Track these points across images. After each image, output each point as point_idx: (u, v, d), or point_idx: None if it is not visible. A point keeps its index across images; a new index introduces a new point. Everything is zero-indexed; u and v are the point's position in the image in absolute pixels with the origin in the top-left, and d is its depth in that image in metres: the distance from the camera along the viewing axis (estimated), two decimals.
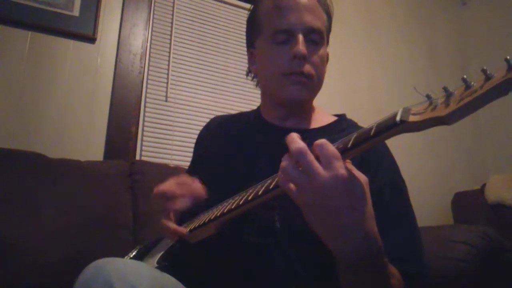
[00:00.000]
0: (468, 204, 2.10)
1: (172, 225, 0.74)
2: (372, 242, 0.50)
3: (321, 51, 0.82)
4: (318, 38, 0.81)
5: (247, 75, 0.95)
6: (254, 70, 0.91)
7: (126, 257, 0.87)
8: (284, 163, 0.49)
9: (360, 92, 2.31)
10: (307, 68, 0.79)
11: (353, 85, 2.31)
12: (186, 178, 0.80)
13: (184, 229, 0.73)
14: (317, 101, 0.91)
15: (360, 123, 0.87)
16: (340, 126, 0.85)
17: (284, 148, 0.50)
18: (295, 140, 0.49)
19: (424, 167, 2.33)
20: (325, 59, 0.85)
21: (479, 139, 2.59)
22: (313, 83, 0.81)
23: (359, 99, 2.28)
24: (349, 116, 0.91)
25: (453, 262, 1.09)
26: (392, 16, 2.56)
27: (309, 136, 0.50)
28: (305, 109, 0.88)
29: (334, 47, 2.25)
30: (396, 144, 0.83)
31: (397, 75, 2.44)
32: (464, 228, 1.25)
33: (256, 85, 0.94)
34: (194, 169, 1.02)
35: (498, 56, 0.37)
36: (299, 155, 0.48)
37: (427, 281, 0.70)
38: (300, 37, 0.78)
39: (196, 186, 0.78)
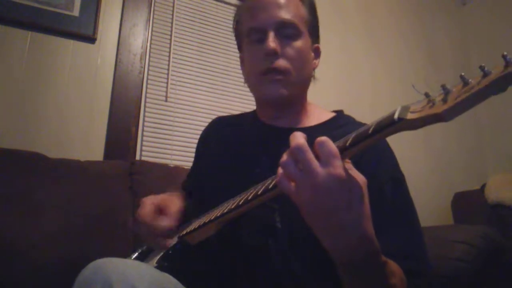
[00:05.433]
0: (468, 204, 2.10)
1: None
2: (368, 243, 0.50)
3: (298, 44, 0.82)
4: (292, 31, 0.81)
5: (245, 82, 0.95)
6: (244, 73, 0.93)
7: (128, 258, 0.87)
8: (284, 158, 0.49)
9: (360, 90, 2.31)
10: (281, 63, 0.79)
11: (353, 84, 2.31)
12: (163, 204, 0.83)
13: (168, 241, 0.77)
14: (317, 98, 0.90)
15: (361, 121, 0.87)
16: (338, 123, 0.84)
17: (281, 148, 0.50)
18: (296, 137, 0.49)
19: (424, 167, 2.33)
20: (305, 52, 0.83)
21: (479, 139, 2.59)
22: (291, 79, 0.80)
23: (360, 97, 2.28)
24: (349, 113, 0.90)
25: (453, 262, 1.08)
26: (392, 16, 2.56)
27: (307, 134, 0.50)
28: (296, 106, 0.87)
29: (335, 46, 2.27)
30: (396, 144, 0.83)
31: (397, 74, 2.44)
32: (464, 228, 1.24)
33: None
34: (196, 170, 1.02)
35: (498, 56, 0.37)
36: (298, 152, 0.48)
37: (430, 279, 0.69)
38: (271, 33, 0.79)
39: (170, 215, 0.81)
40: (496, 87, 0.36)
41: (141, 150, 1.69)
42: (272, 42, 0.78)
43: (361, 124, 0.80)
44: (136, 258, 0.87)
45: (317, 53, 0.90)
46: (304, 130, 0.83)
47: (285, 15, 0.81)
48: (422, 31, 2.64)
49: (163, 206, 0.83)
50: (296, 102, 0.86)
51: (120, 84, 1.68)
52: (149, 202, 0.82)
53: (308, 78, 0.86)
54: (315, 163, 0.47)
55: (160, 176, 1.45)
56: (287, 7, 0.82)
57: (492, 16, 2.64)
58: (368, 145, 0.48)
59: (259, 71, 0.81)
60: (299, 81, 0.83)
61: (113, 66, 1.69)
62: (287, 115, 0.86)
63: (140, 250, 0.89)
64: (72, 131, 1.56)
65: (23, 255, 1.11)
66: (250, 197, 0.60)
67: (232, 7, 2.05)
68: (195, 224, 0.74)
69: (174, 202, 0.86)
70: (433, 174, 2.36)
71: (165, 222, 0.79)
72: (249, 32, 0.83)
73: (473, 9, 2.78)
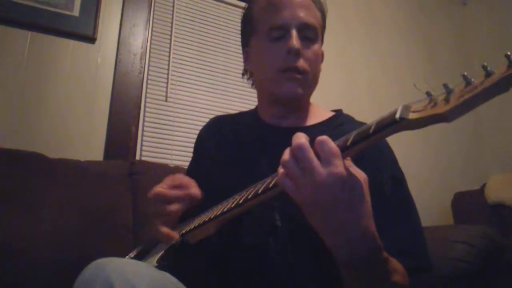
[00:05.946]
0: (468, 204, 2.10)
1: (165, 229, 0.74)
2: (369, 241, 0.50)
3: (316, 48, 0.83)
4: (312, 34, 0.82)
5: (242, 75, 0.95)
6: (250, 69, 0.92)
7: (127, 257, 0.87)
8: (285, 157, 0.49)
9: (359, 90, 2.31)
10: (302, 63, 0.79)
11: (352, 84, 2.31)
12: (182, 179, 0.79)
13: (175, 234, 0.73)
14: (317, 99, 0.90)
15: (360, 120, 0.87)
16: (337, 122, 0.85)
17: (282, 147, 0.51)
18: (298, 136, 0.49)
19: (424, 167, 2.33)
20: (319, 56, 0.85)
21: (479, 139, 2.58)
22: (308, 80, 0.82)
23: (359, 97, 2.28)
24: (349, 114, 0.91)
25: (453, 262, 1.08)
26: (391, 15, 2.56)
27: (307, 133, 0.50)
28: (302, 106, 0.87)
29: (334, 45, 2.27)
30: (396, 144, 0.83)
31: (396, 74, 2.44)
32: (464, 228, 1.24)
33: (252, 85, 0.94)
34: (194, 170, 1.02)
35: (499, 56, 0.37)
36: (299, 151, 0.48)
37: (432, 273, 0.70)
38: (294, 32, 0.79)
39: (192, 189, 0.77)
40: (499, 87, 0.36)
41: (141, 150, 1.69)
42: (296, 41, 0.79)
43: (360, 123, 0.80)
44: (134, 257, 0.86)
45: (322, 57, 0.92)
46: (304, 129, 0.84)
47: (309, 17, 0.82)
48: (422, 31, 2.64)
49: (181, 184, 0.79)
50: (303, 103, 0.87)
51: (120, 84, 1.68)
52: (168, 182, 0.79)
53: (318, 81, 0.88)
54: (315, 162, 0.47)
55: (160, 176, 1.42)
56: (310, 10, 0.83)
57: (492, 16, 2.64)
58: (369, 144, 0.48)
59: (278, 67, 0.80)
60: (313, 83, 0.84)
61: (113, 66, 1.69)
62: (292, 116, 0.86)
63: (139, 249, 0.89)
64: (72, 131, 1.56)
65: (23, 255, 1.11)
66: (250, 196, 0.60)
67: (232, 7, 2.06)
68: (195, 223, 0.74)
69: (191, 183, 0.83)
70: (433, 174, 2.36)
71: (194, 190, 0.76)
72: (270, 29, 0.82)
73: (473, 9, 2.78)
